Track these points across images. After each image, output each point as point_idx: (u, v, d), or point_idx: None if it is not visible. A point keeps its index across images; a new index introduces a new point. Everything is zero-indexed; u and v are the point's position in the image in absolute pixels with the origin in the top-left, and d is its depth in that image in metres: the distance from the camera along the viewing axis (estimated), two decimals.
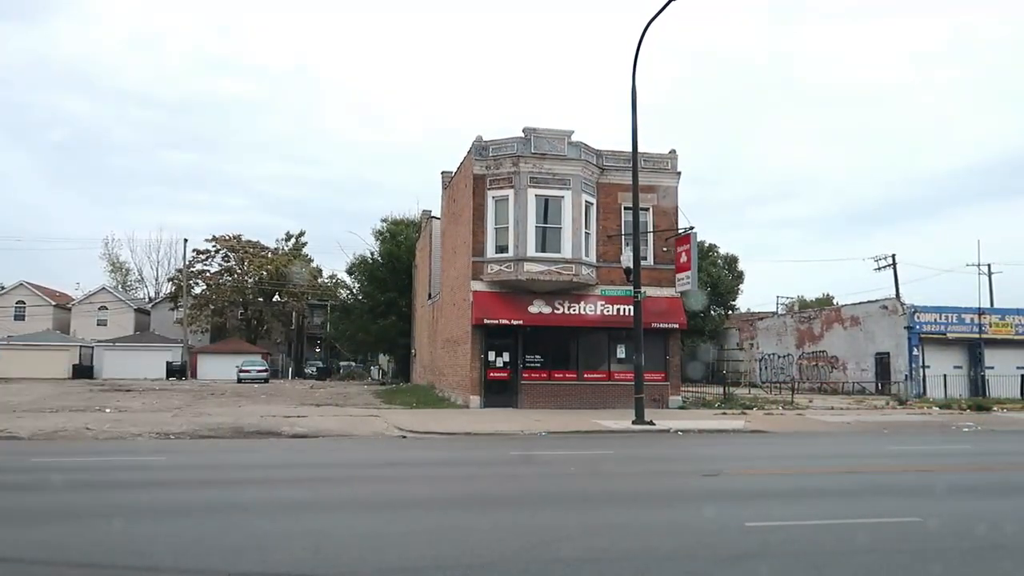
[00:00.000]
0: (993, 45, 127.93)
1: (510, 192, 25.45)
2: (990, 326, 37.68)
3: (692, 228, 25.13)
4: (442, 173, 34.16)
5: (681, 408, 25.83)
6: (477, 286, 25.72)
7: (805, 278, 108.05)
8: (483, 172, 25.96)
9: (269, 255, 70.55)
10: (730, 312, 57.99)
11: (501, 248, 25.55)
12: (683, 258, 25.30)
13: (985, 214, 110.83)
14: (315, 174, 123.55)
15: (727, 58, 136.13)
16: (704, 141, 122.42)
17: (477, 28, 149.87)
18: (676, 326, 26.23)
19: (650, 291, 25.98)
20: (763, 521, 7.37)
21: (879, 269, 49.73)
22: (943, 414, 25.60)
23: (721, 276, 55.53)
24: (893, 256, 48.45)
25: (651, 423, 19.68)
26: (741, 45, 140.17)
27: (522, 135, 25.61)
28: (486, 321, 25.01)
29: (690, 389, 35.76)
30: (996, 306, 41.87)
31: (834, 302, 63.25)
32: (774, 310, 59.86)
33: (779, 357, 48.63)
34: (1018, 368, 37.28)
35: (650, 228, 26.55)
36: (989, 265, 48.17)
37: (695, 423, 20.73)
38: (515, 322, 25.20)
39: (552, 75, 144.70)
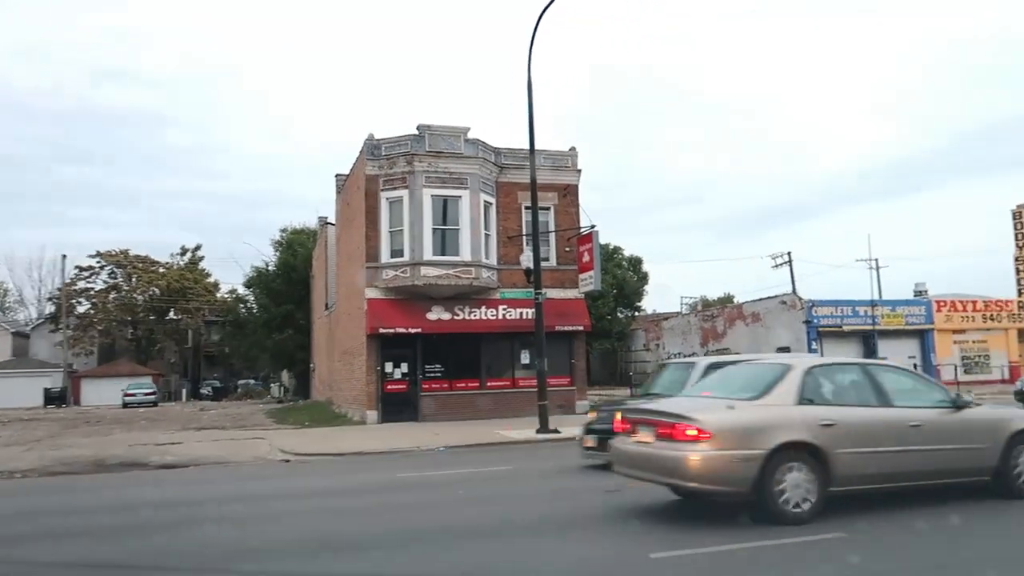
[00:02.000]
0: (875, 57, 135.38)
1: (404, 193, 24.08)
2: (882, 318, 38.83)
3: (594, 226, 24.43)
4: (336, 176, 32.41)
5: (589, 412, 24.99)
6: (372, 293, 24.20)
7: (707, 279, 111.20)
8: (376, 172, 24.49)
9: (161, 270, 66.40)
10: (636, 313, 58.18)
11: (396, 252, 24.13)
12: (586, 257, 24.54)
13: (870, 213, 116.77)
14: (213, 187, 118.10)
15: (624, 71, 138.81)
16: (606, 150, 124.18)
17: (373, 35, 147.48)
18: (581, 328, 25.45)
19: (553, 293, 25.15)
20: (671, 550, 6.37)
21: (776, 266, 51.01)
22: None
23: (626, 278, 55.67)
24: (789, 254, 49.72)
25: (556, 431, 18.72)
26: (637, 59, 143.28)
27: (416, 132, 24.31)
28: (381, 330, 23.52)
29: (598, 392, 35.18)
30: (884, 298, 43.30)
31: (735, 300, 64.64)
32: (679, 311, 60.61)
33: (685, 356, 48.91)
34: (910, 357, 38.50)
35: (551, 227, 25.71)
36: (876, 260, 50.05)
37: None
38: (413, 330, 23.81)
39: (452, 81, 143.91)
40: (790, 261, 49.74)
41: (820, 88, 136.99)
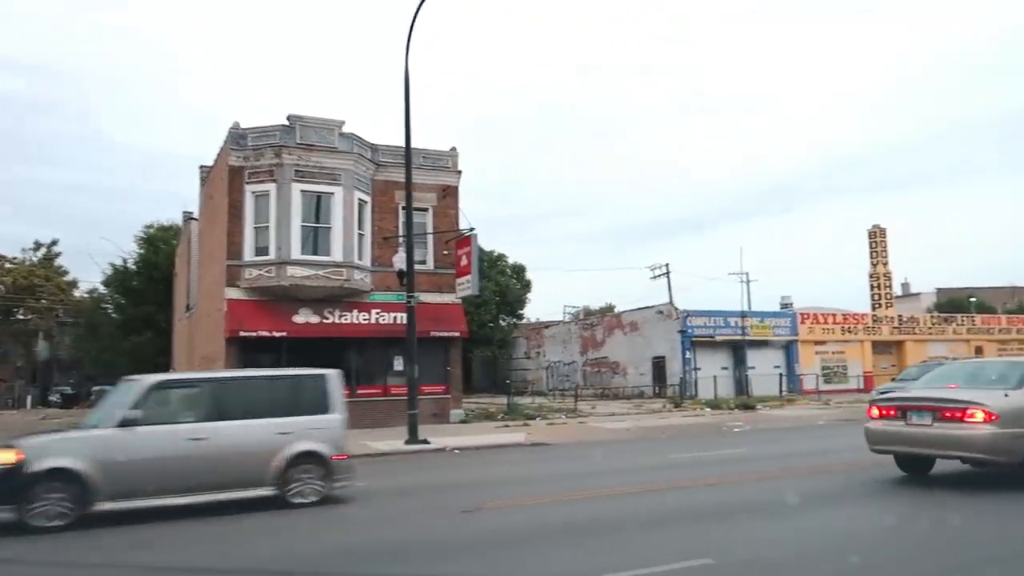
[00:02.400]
0: (752, 83, 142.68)
1: (272, 187, 22.51)
2: (751, 328, 40.21)
3: (473, 229, 23.71)
4: (200, 168, 30.16)
5: (463, 422, 24.22)
6: (233, 293, 22.45)
7: (591, 289, 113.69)
8: (241, 164, 22.78)
9: (8, 265, 60.29)
10: (518, 321, 58.00)
11: (262, 250, 22.51)
12: (464, 261, 23.77)
13: (745, 230, 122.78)
14: (74, 179, 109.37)
15: (515, 86, 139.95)
16: (498, 160, 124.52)
17: (248, 27, 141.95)
18: (457, 334, 24.62)
19: (430, 297, 24.26)
20: None
21: (655, 278, 51.97)
22: (715, 415, 26.20)
23: (509, 285, 55.40)
24: (667, 265, 50.81)
25: (426, 442, 17.79)
26: (528, 74, 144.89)
27: (287, 123, 22.81)
28: (242, 333, 21.82)
29: (476, 400, 34.50)
30: (754, 311, 44.97)
31: (616, 310, 65.74)
32: (563, 319, 60.91)
33: (565, 364, 49.10)
34: (775, 367, 40.09)
35: (429, 229, 24.78)
36: (747, 273, 52.04)
37: (474, 439, 19.12)
38: (277, 334, 22.24)
39: (335, 79, 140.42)
40: (668, 273, 50.89)
41: (703, 108, 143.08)
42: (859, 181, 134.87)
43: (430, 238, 24.80)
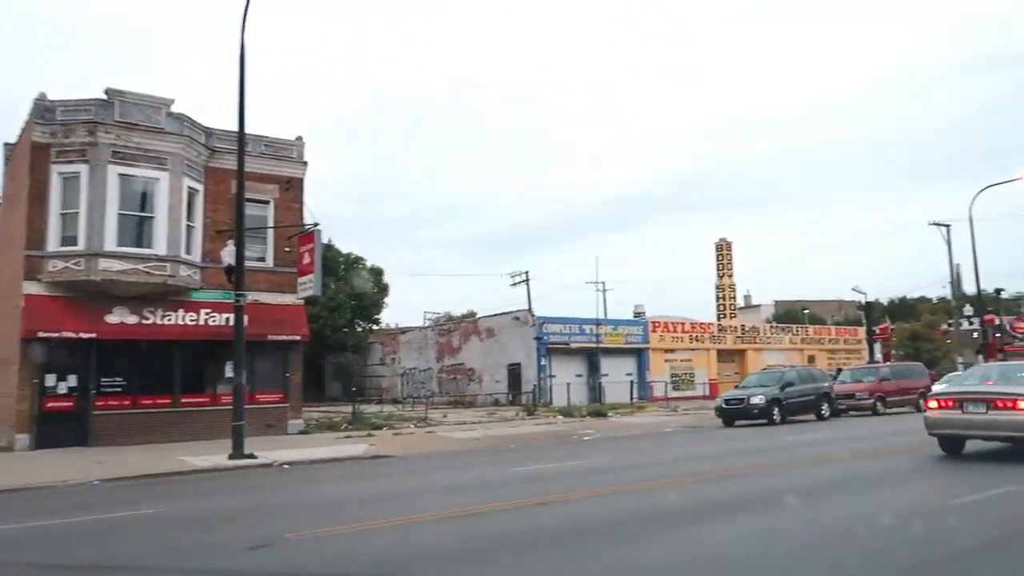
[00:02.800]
0: (616, 104, 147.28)
1: (84, 168, 19.89)
2: (606, 336, 40.63)
3: (317, 225, 22.03)
4: (4, 145, 26.52)
5: (303, 433, 22.44)
6: (32, 288, 19.62)
7: (455, 296, 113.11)
8: (47, 141, 19.99)
9: None
10: (375, 326, 56.01)
11: (69, 240, 19.82)
12: (306, 259, 22.05)
13: (607, 241, 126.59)
14: None
15: (390, 89, 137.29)
16: (366, 165, 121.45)
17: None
18: (298, 338, 22.80)
19: (269, 297, 22.46)
20: None
21: (515, 284, 51.76)
22: (566, 422, 25.84)
23: (367, 289, 53.36)
24: (527, 272, 50.67)
25: (252, 456, 16.04)
26: (402, 76, 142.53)
27: (104, 98, 20.27)
28: (42, 334, 19.07)
29: (326, 409, 32.49)
30: (609, 318, 45.59)
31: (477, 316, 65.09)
32: (423, 325, 59.42)
33: (420, 371, 47.77)
34: (627, 375, 40.70)
35: (270, 223, 22.88)
36: (604, 283, 52.96)
37: (309, 452, 17.51)
38: (86, 335, 19.61)
39: (172, 61, 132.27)
40: (527, 280, 50.75)
41: (577, 123, 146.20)
42: (708, 199, 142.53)
43: (270, 233, 22.89)
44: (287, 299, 22.83)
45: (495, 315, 42.74)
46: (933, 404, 13.04)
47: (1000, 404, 11.84)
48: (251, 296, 21.93)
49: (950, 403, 12.64)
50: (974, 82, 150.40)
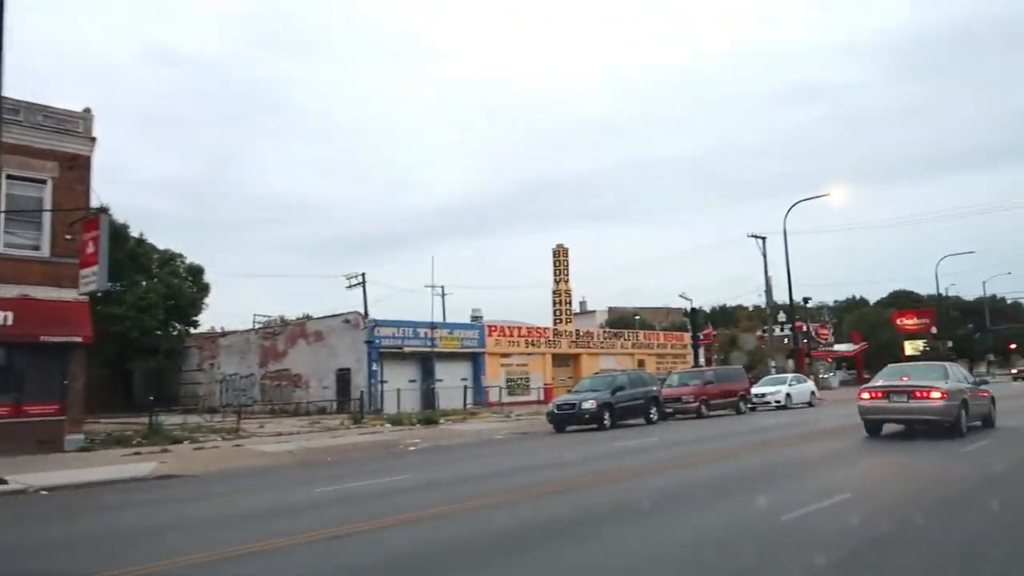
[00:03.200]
0: (461, 110, 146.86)
1: None
2: (441, 340, 39.38)
3: (105, 209, 19.23)
4: None
5: (84, 450, 19.30)
6: None
7: (291, 300, 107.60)
8: None
9: None
10: (192, 328, 51.40)
11: None
12: (90, 248, 19.04)
13: (451, 247, 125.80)
14: None
15: (225, 81, 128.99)
16: (199, 163, 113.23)
17: None
18: (79, 340, 19.65)
19: (44, 292, 19.38)
20: None
21: (351, 287, 49.12)
22: (394, 431, 24.27)
23: (183, 288, 48.83)
24: (363, 274, 48.32)
25: (2, 481, 13.26)
26: (237, 68, 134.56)
27: None
28: None
29: (120, 421, 28.69)
30: (445, 322, 44.37)
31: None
32: (252, 328, 55.27)
33: (242, 377, 44.20)
34: (463, 380, 39.67)
35: (47, 206, 19.63)
36: (443, 286, 51.69)
37: (81, 474, 14.82)
38: None
39: None
40: (364, 282, 48.43)
41: (425, 128, 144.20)
42: (548, 208, 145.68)
43: (47, 217, 19.63)
44: (67, 294, 19.64)
45: (324, 317, 40.30)
46: (866, 396, 15.98)
47: (918, 394, 14.96)
48: (18, 290, 18.81)
49: (879, 395, 15.64)
50: (793, 109, 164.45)
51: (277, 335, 43.15)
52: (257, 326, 58.20)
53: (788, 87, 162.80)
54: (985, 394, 17.37)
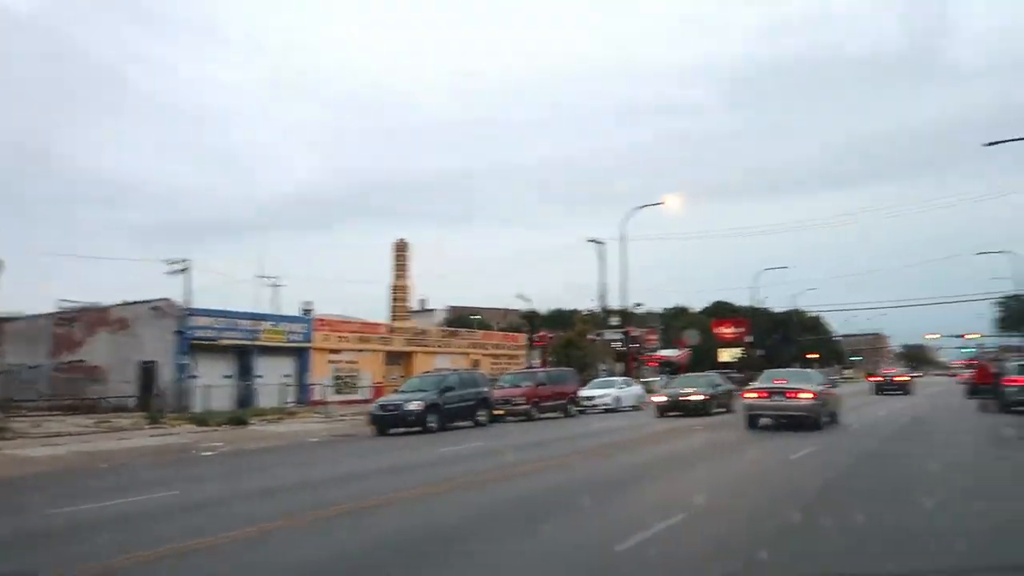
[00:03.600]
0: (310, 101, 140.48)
1: None
2: (264, 333, 36.62)
3: None
4: None
5: None
6: None
7: (114, 287, 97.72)
8: None
9: None
10: None
11: None
12: None
13: (284, 238, 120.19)
14: None
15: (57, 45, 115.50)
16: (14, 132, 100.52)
17: None
18: None
19: None
20: None
21: (173, 273, 44.45)
22: (195, 432, 21.78)
23: None
24: (187, 260, 43.89)
25: None
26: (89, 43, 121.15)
27: None
28: None
29: None
30: (269, 313, 41.44)
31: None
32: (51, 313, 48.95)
33: (29, 368, 38.87)
34: (286, 376, 37.12)
35: None
36: (276, 277, 48.52)
37: None
38: None
39: None
40: (186, 269, 44.01)
41: (271, 119, 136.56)
42: (395, 206, 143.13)
43: None
44: None
45: (129, 304, 36.20)
46: (752, 395, 19.21)
47: (789, 394, 18.21)
48: None
49: (764, 394, 18.76)
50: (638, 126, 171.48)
51: (74, 322, 38.38)
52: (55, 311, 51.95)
53: (636, 104, 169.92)
54: (834, 394, 20.94)
